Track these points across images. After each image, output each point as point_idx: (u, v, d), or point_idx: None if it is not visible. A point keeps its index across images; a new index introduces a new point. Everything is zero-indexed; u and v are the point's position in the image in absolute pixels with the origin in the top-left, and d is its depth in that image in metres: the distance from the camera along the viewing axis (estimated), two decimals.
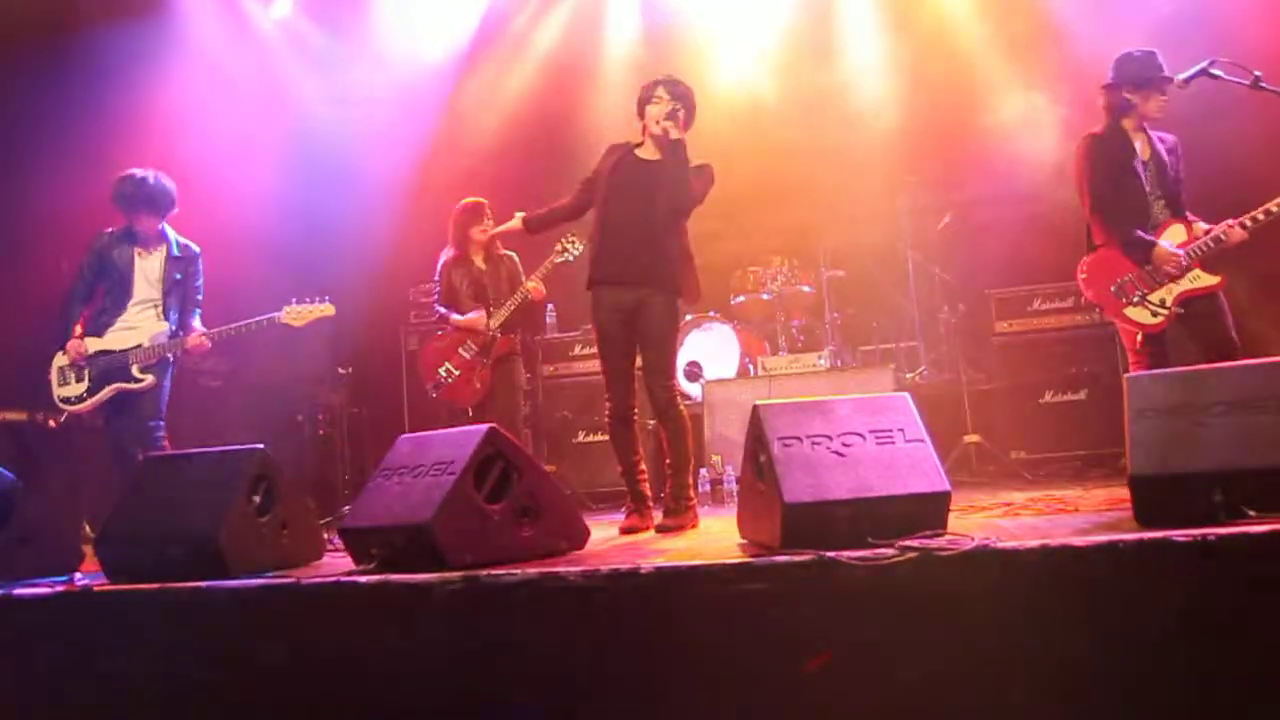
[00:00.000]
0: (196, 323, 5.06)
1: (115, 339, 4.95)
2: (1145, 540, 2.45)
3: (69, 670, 3.05)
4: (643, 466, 4.36)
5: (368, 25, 8.09)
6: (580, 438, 6.94)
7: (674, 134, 4.18)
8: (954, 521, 2.91)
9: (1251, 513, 2.57)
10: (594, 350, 4.54)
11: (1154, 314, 4.27)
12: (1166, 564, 2.40)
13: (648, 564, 2.73)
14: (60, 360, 4.97)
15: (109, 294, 5.02)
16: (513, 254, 5.78)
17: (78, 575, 3.68)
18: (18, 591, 3.26)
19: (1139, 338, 4.33)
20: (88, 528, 5.70)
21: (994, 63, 7.23)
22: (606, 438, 4.46)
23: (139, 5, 7.35)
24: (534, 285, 5.53)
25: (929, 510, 2.79)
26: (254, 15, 7.98)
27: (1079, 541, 2.49)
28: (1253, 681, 2.34)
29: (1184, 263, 4.23)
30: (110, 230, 5.09)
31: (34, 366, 5.19)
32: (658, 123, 4.22)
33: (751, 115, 7.55)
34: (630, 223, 4.26)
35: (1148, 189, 4.36)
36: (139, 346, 4.94)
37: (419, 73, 8.08)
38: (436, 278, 5.80)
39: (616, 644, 2.67)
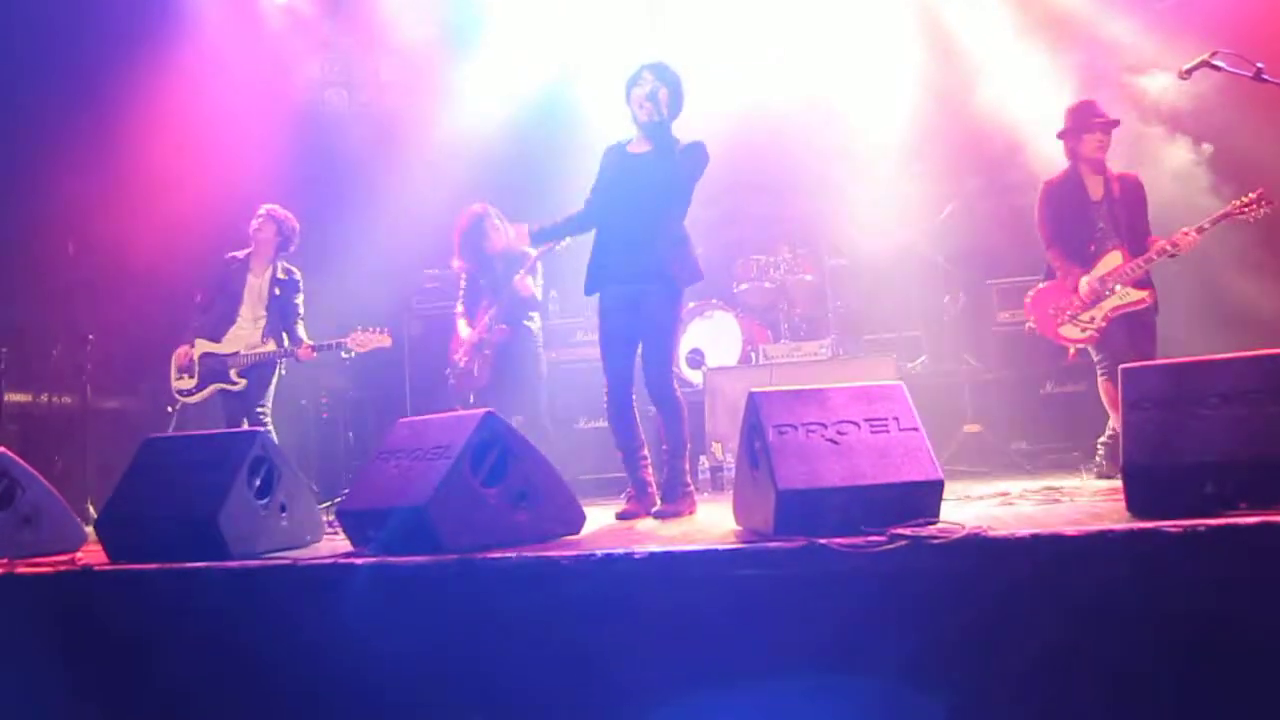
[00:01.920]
0: (302, 333, 5.71)
1: (221, 345, 5.64)
2: (1135, 530, 2.47)
3: (68, 649, 3.09)
4: (645, 453, 4.34)
5: (373, 9, 8.09)
6: (581, 424, 6.95)
7: (654, 116, 4.12)
8: (949, 510, 2.92)
9: (1243, 504, 2.58)
10: (596, 336, 4.52)
11: (1083, 330, 4.87)
12: (1156, 555, 2.42)
13: (641, 549, 2.76)
14: (177, 358, 5.68)
15: (222, 307, 5.72)
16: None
17: (79, 555, 3.71)
18: (20, 570, 3.30)
19: (1072, 351, 4.99)
20: (90, 508, 5.76)
21: (998, 52, 7.19)
22: (607, 424, 4.44)
23: None
24: (518, 278, 5.66)
25: (922, 499, 2.80)
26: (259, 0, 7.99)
27: (1069, 531, 2.51)
28: (1240, 673, 2.36)
29: (1102, 292, 4.79)
30: (230, 255, 5.82)
31: (40, 349, 5.24)
32: (640, 105, 4.16)
33: (757, 106, 7.52)
34: (622, 220, 4.23)
35: (1100, 225, 4.92)
36: (237, 354, 5.59)
37: (424, 56, 8.07)
38: (461, 282, 5.99)
39: (609, 628, 2.70)
